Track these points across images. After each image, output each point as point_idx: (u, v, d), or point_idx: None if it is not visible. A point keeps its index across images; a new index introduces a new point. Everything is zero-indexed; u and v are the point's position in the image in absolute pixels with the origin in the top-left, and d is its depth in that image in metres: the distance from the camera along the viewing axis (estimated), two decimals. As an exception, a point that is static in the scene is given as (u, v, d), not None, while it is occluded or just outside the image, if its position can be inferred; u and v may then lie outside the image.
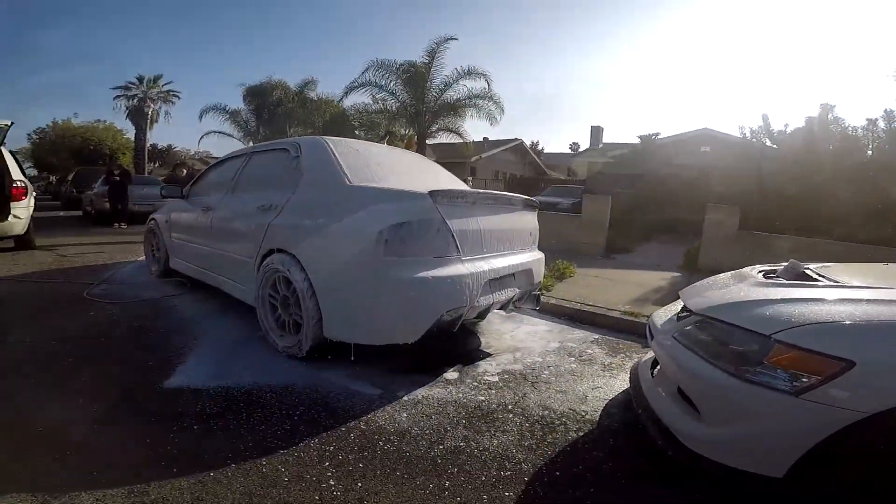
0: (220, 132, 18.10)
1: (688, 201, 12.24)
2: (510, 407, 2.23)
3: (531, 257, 3.12)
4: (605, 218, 7.15)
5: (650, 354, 2.52)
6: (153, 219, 4.84)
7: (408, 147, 11.37)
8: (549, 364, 2.85)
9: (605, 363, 2.97)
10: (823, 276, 2.04)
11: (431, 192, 2.27)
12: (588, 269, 5.85)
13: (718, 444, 1.57)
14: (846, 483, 1.37)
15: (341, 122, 13.88)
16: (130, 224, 9.51)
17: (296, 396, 2.14)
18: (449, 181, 3.35)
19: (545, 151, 33.47)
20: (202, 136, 18.59)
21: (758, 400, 1.50)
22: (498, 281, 2.68)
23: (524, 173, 20.85)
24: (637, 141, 12.48)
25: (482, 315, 2.77)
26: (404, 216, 2.21)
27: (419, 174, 3.21)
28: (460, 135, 13.17)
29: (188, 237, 3.97)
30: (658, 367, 2.25)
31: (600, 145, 19.60)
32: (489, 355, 2.90)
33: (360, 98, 13.95)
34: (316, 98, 16.86)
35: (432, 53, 12.32)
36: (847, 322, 1.47)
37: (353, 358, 2.44)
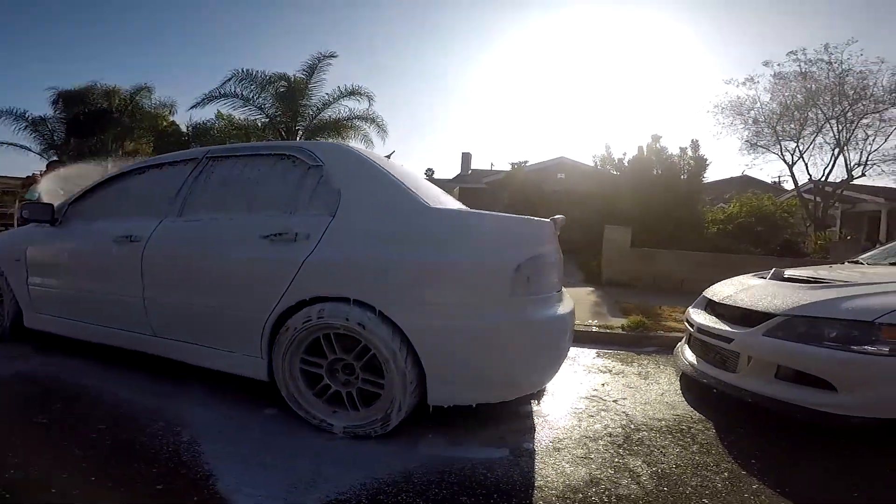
0: (11, 144, 13.82)
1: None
2: (632, 426, 2.31)
3: None
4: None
5: (683, 360, 2.93)
6: None
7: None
8: (600, 383, 3.02)
9: (636, 373, 3.30)
10: (814, 279, 2.72)
11: (552, 219, 2.23)
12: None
13: (860, 406, 2.03)
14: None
15: (200, 136, 11.99)
16: None
17: (437, 486, 1.74)
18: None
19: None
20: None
21: (888, 367, 1.98)
22: None
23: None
24: (508, 167, 14.01)
25: None
26: (538, 247, 2.07)
27: (436, 190, 2.88)
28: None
29: (79, 282, 2.90)
30: (700, 358, 2.80)
31: (469, 172, 21.11)
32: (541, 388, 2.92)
33: (219, 110, 12.35)
34: (150, 107, 14.25)
35: (312, 69, 11.68)
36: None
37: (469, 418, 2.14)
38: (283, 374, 2.21)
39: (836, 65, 11.09)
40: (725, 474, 1.84)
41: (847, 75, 11.00)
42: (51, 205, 3.13)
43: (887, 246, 3.52)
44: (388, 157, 2.94)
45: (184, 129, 13.98)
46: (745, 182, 15.64)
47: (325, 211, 2.24)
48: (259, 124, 12.04)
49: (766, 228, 10.07)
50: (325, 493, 1.67)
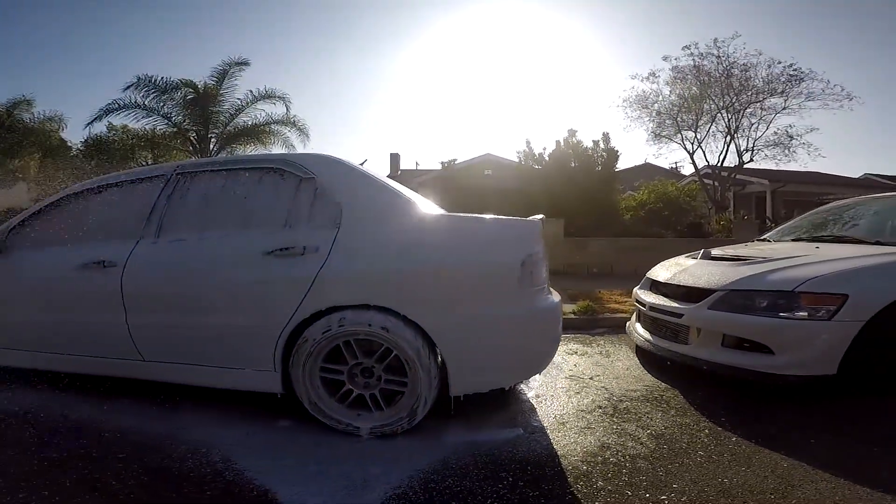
0: None
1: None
2: (615, 398, 2.71)
3: None
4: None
5: (639, 336, 3.42)
6: None
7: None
8: (573, 364, 3.42)
9: (599, 352, 3.75)
10: (738, 257, 3.30)
11: (540, 218, 2.51)
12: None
13: (793, 365, 2.53)
14: (874, 366, 2.45)
15: (101, 150, 10.84)
16: None
17: (475, 468, 1.94)
18: None
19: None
20: None
21: (811, 329, 2.52)
22: None
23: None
24: (434, 167, 14.33)
25: None
26: (535, 244, 2.34)
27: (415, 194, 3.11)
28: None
29: (38, 313, 2.76)
30: (653, 334, 3.28)
31: (399, 172, 20.98)
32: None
33: (110, 122, 11.28)
34: (33, 122, 12.54)
35: (222, 74, 11.05)
36: (828, 273, 2.62)
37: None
38: (304, 384, 2.28)
39: (724, 58, 12.77)
40: (707, 431, 2.28)
41: (733, 68, 12.72)
42: None
43: (784, 225, 4.32)
44: (362, 164, 3.07)
45: (75, 144, 12.74)
46: (648, 169, 17.43)
47: (328, 223, 2.35)
48: (159, 132, 11.21)
49: (672, 212, 11.39)
50: (381, 491, 1.79)
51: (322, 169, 2.50)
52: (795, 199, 15.62)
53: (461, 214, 2.51)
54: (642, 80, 13.77)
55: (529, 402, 2.69)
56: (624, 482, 1.82)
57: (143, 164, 11.79)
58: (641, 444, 2.14)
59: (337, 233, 2.31)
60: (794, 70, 12.72)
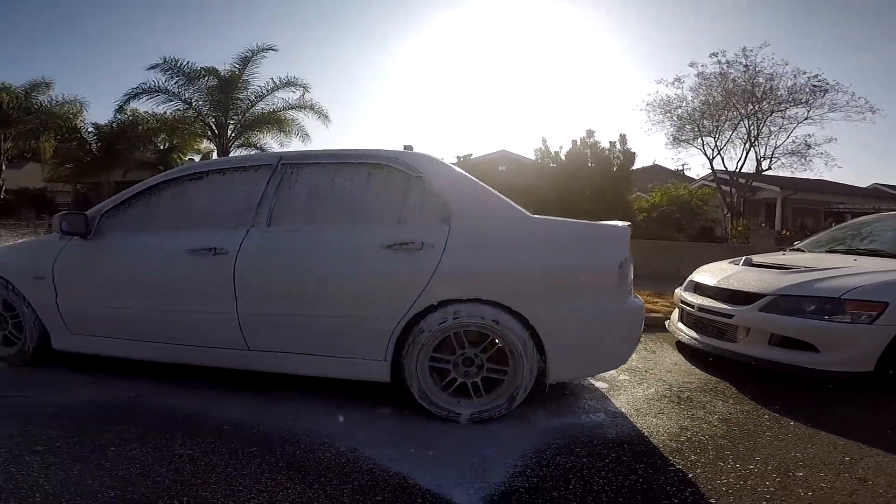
0: None
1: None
2: (675, 389, 3.09)
3: None
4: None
5: (684, 334, 3.81)
6: None
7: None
8: (625, 359, 3.79)
9: (644, 349, 4.10)
10: (782, 265, 3.69)
11: (629, 225, 2.81)
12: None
13: (836, 362, 2.94)
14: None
15: (124, 133, 11.05)
16: None
17: (578, 447, 2.26)
18: None
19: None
20: None
21: (854, 332, 2.92)
22: None
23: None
24: (451, 160, 14.61)
25: None
26: (627, 248, 2.65)
27: None
28: (262, 150, 12.33)
29: (138, 299, 2.89)
30: (699, 332, 3.66)
31: None
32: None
33: (120, 106, 11.51)
34: (49, 103, 12.66)
35: (245, 61, 11.24)
36: (871, 283, 3.02)
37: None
38: (416, 374, 2.55)
39: (751, 67, 13.13)
40: (766, 416, 2.67)
41: (758, 76, 13.08)
42: (84, 215, 3.02)
43: (816, 237, 4.75)
44: None
45: (86, 128, 12.99)
46: (657, 170, 17.89)
47: (439, 220, 2.61)
48: (177, 117, 11.44)
49: (684, 216, 11.84)
50: (502, 473, 2.03)
51: (429, 168, 2.75)
52: (804, 206, 16.15)
53: (562, 218, 2.79)
54: (667, 85, 14.16)
55: (599, 391, 3.06)
56: (713, 456, 2.20)
57: (160, 148, 12.00)
58: (714, 426, 2.52)
59: (449, 230, 2.57)
60: (819, 81, 13.10)
